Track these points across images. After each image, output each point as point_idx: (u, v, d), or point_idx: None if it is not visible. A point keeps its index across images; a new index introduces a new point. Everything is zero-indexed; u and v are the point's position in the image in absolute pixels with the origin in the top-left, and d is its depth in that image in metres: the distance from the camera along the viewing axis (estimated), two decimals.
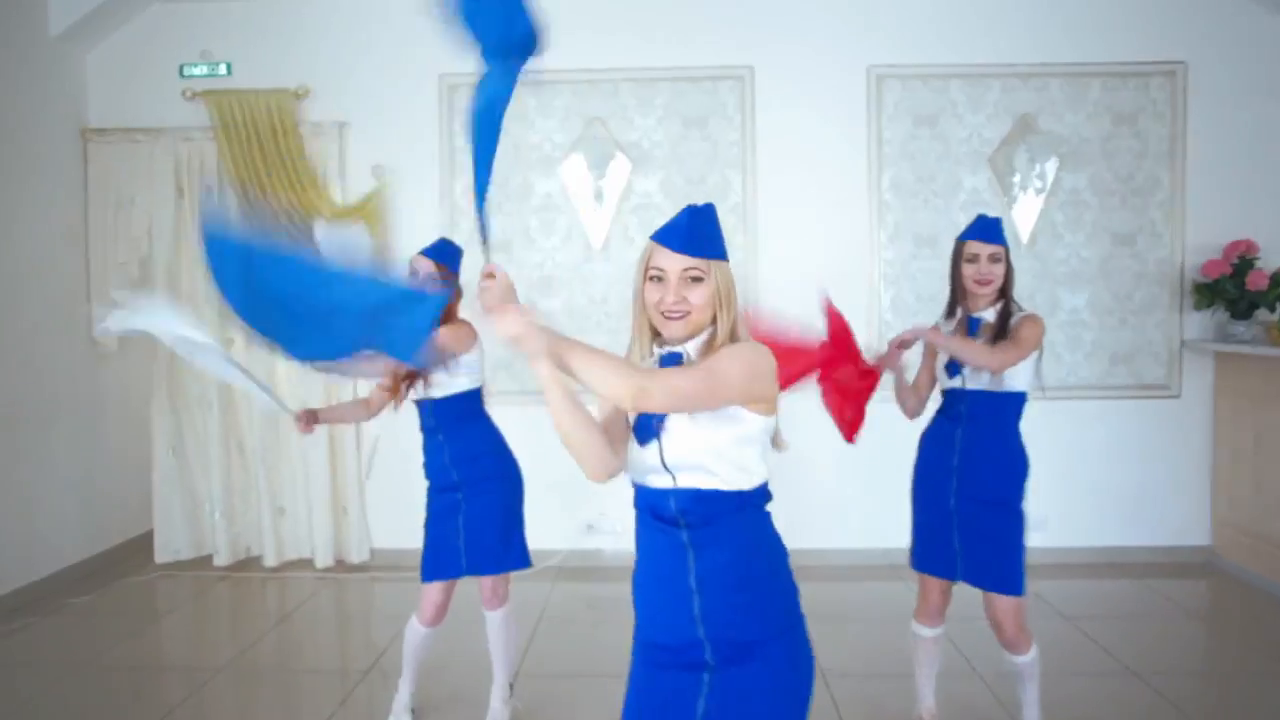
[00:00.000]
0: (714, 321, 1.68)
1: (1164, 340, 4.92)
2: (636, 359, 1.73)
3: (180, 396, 5.00)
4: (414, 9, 4.86)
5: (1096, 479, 4.91)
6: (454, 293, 3.06)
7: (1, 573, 4.34)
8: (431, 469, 3.06)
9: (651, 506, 1.69)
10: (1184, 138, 4.81)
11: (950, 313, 2.91)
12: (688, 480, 1.65)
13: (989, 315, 2.77)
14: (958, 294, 2.85)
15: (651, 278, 1.67)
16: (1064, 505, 4.88)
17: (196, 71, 4.95)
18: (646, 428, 1.66)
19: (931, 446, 2.93)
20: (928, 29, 4.84)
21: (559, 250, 4.98)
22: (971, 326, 2.79)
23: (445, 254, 3.06)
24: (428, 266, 2.96)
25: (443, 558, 2.98)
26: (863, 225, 4.90)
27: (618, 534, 4.99)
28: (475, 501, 2.98)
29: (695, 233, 1.67)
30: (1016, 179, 4.81)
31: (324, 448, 4.90)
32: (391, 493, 5.02)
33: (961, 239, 2.84)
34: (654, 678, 1.71)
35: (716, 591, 1.64)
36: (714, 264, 1.66)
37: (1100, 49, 4.79)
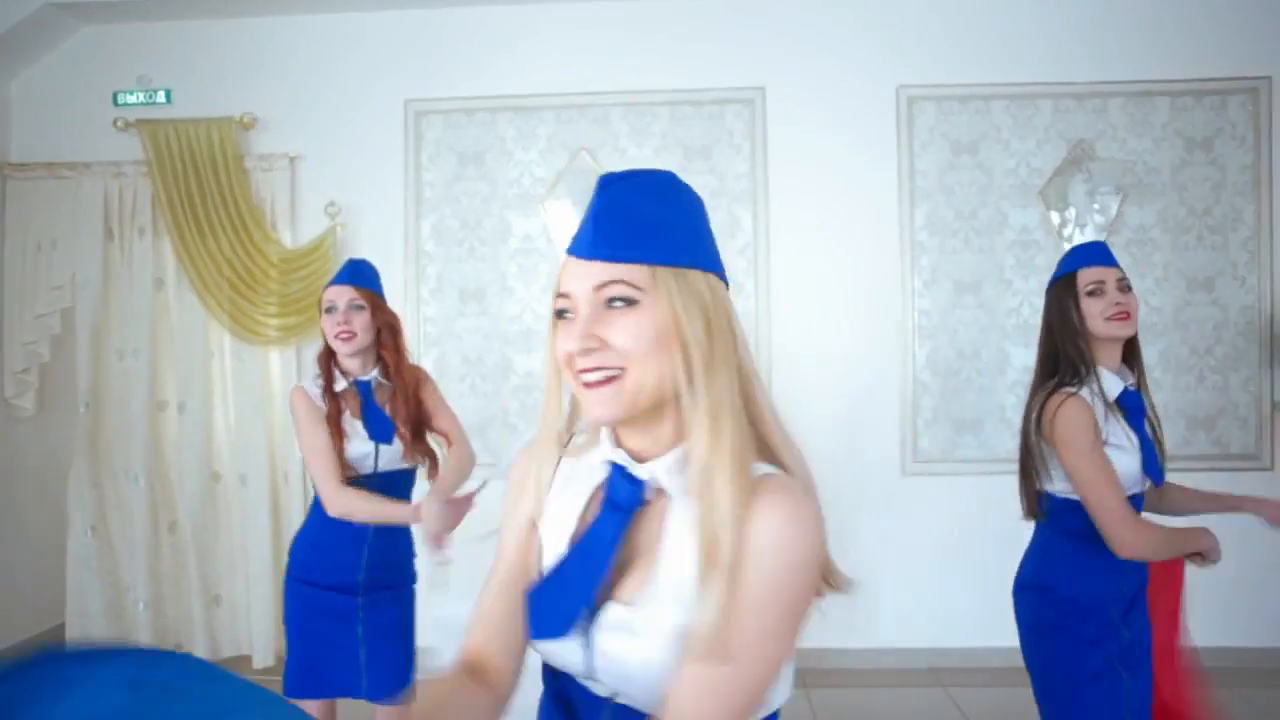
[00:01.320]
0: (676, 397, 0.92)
1: (1251, 401, 4.17)
2: (537, 478, 1.01)
3: (104, 466, 4.32)
4: (376, 28, 4.35)
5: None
6: (394, 319, 2.48)
7: None
8: (326, 563, 2.39)
9: None
10: (1270, 164, 4.11)
11: (1070, 377, 2.06)
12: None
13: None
14: (1079, 345, 2.07)
15: (558, 313, 0.94)
16: None
17: (132, 99, 4.37)
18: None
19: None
20: (965, 44, 4.20)
21: (540, 300, 4.32)
22: (1130, 401, 2.06)
23: (364, 276, 2.44)
24: (349, 295, 2.36)
25: (337, 670, 2.36)
26: (894, 269, 4.20)
27: None
28: (386, 612, 2.42)
29: (619, 218, 0.93)
30: (1072, 215, 4.12)
31: (266, 526, 4.20)
32: None
33: (1070, 270, 2.11)
34: None
35: None
36: (663, 273, 0.91)
37: (1168, 64, 4.12)
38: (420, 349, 4.18)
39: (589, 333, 0.89)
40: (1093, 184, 4.10)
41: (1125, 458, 2.02)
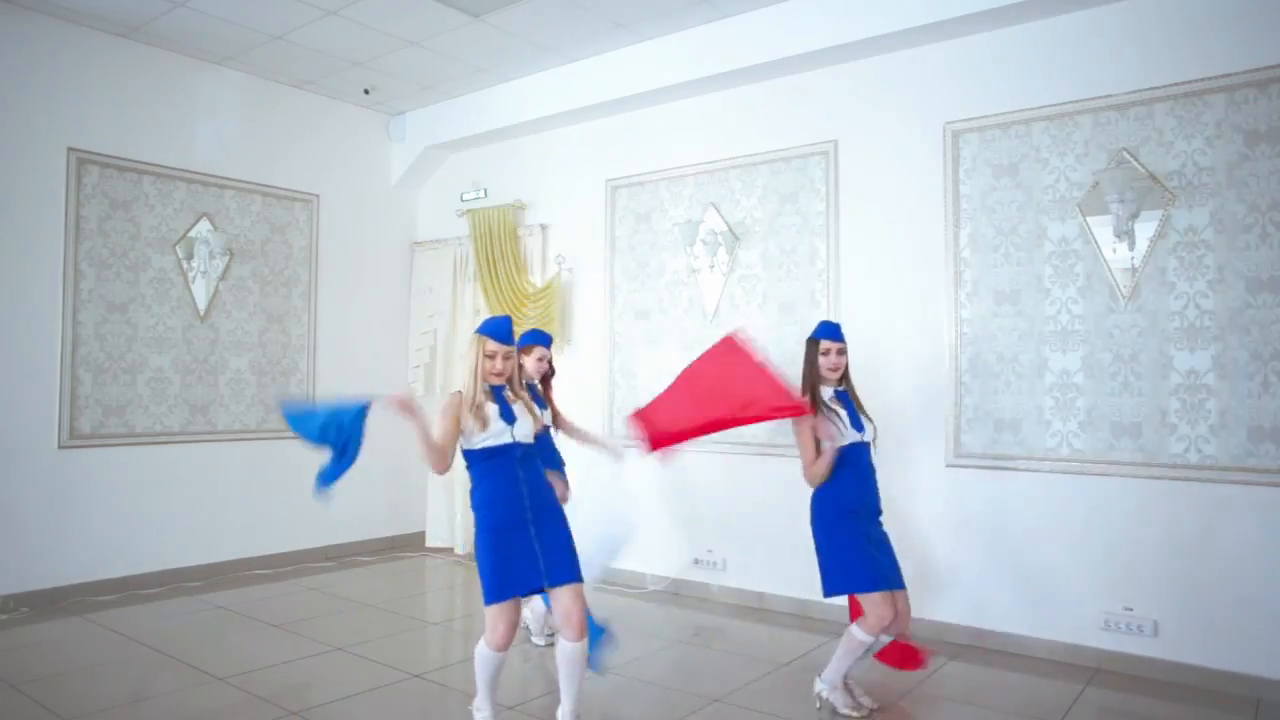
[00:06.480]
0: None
1: None
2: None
3: None
4: (587, 131, 6.28)
5: (1228, 584, 3.90)
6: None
7: None
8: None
9: None
10: None
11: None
12: None
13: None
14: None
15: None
16: (1182, 611, 4.01)
17: (469, 196, 6.99)
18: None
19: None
20: (1007, 75, 4.57)
21: (683, 318, 5.77)
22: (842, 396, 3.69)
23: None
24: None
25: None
26: (940, 284, 4.73)
27: (721, 569, 5.48)
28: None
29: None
30: (1111, 223, 4.20)
31: None
32: None
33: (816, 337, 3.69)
34: None
35: None
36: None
37: (1224, 58, 3.98)
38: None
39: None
40: (1135, 192, 4.12)
41: (840, 422, 3.55)
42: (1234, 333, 3.94)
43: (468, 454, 3.20)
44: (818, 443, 3.50)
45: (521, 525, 3.15)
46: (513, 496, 3.16)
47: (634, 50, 5.75)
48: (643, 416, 3.59)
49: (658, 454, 3.60)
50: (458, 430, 3.16)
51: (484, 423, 3.14)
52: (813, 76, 5.23)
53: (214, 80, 6.15)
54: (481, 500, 3.19)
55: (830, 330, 3.68)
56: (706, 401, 3.55)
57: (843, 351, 3.64)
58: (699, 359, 3.71)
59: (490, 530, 3.15)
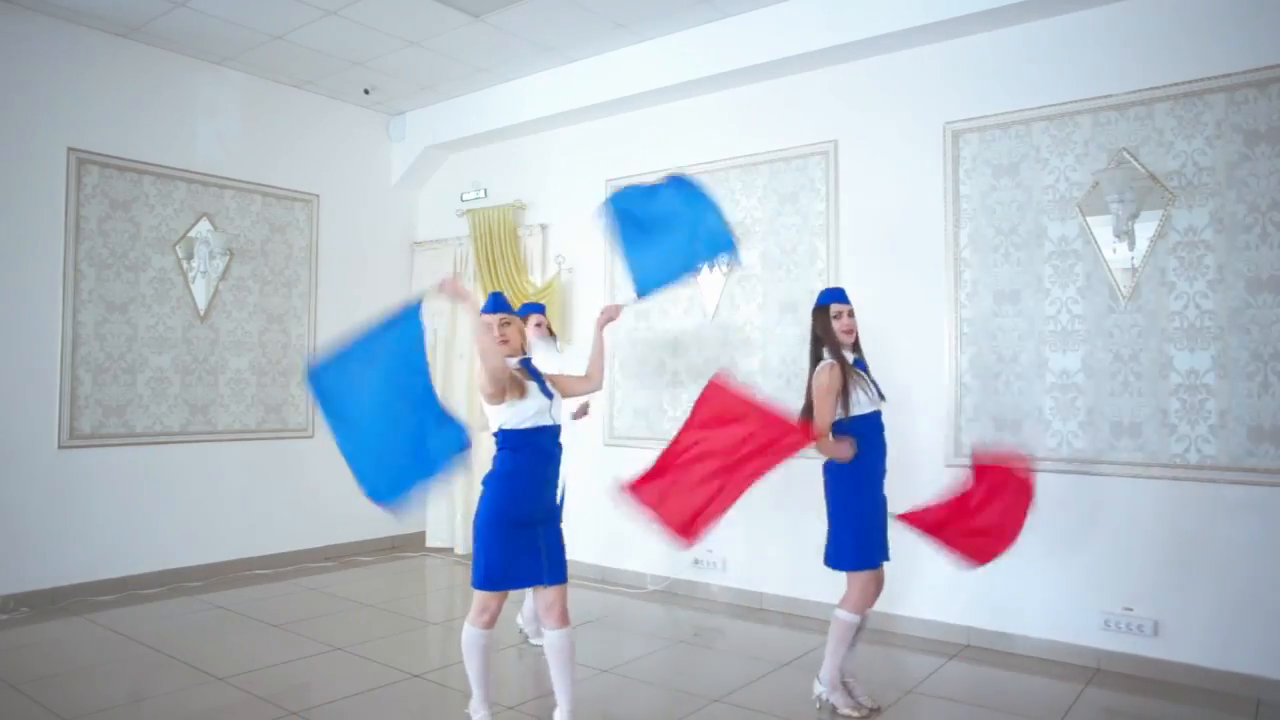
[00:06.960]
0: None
1: None
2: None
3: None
4: (586, 131, 6.28)
5: (1228, 584, 3.90)
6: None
7: None
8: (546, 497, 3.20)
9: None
10: None
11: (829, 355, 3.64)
12: None
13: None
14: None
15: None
16: (1182, 611, 4.01)
17: (469, 196, 6.98)
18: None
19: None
20: (1006, 76, 4.57)
21: (683, 318, 5.77)
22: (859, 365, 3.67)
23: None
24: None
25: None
26: (941, 283, 4.73)
27: (721, 569, 5.48)
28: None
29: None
30: (1111, 223, 4.20)
31: None
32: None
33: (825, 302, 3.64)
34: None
35: None
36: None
37: (1223, 58, 3.98)
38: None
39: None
40: (1135, 192, 4.11)
41: (870, 388, 3.56)
42: (1234, 333, 3.94)
43: (506, 435, 3.10)
44: (845, 401, 3.46)
45: (535, 525, 3.13)
46: (537, 498, 3.14)
47: (634, 50, 5.75)
48: (652, 502, 3.34)
49: (688, 541, 3.39)
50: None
51: (521, 390, 3.08)
52: (812, 76, 5.24)
53: (214, 80, 6.15)
54: (503, 491, 3.09)
55: (837, 294, 3.65)
56: (718, 461, 3.36)
57: (852, 314, 3.61)
58: (692, 419, 3.40)
59: (502, 522, 3.07)
